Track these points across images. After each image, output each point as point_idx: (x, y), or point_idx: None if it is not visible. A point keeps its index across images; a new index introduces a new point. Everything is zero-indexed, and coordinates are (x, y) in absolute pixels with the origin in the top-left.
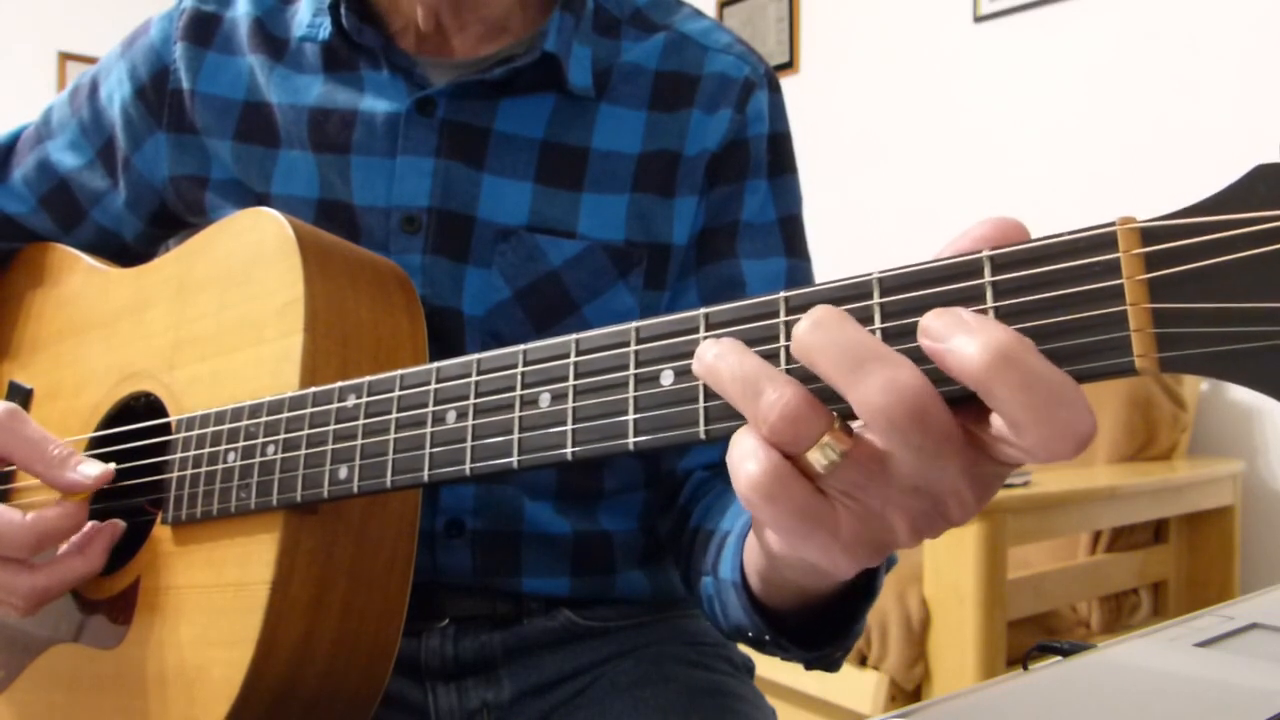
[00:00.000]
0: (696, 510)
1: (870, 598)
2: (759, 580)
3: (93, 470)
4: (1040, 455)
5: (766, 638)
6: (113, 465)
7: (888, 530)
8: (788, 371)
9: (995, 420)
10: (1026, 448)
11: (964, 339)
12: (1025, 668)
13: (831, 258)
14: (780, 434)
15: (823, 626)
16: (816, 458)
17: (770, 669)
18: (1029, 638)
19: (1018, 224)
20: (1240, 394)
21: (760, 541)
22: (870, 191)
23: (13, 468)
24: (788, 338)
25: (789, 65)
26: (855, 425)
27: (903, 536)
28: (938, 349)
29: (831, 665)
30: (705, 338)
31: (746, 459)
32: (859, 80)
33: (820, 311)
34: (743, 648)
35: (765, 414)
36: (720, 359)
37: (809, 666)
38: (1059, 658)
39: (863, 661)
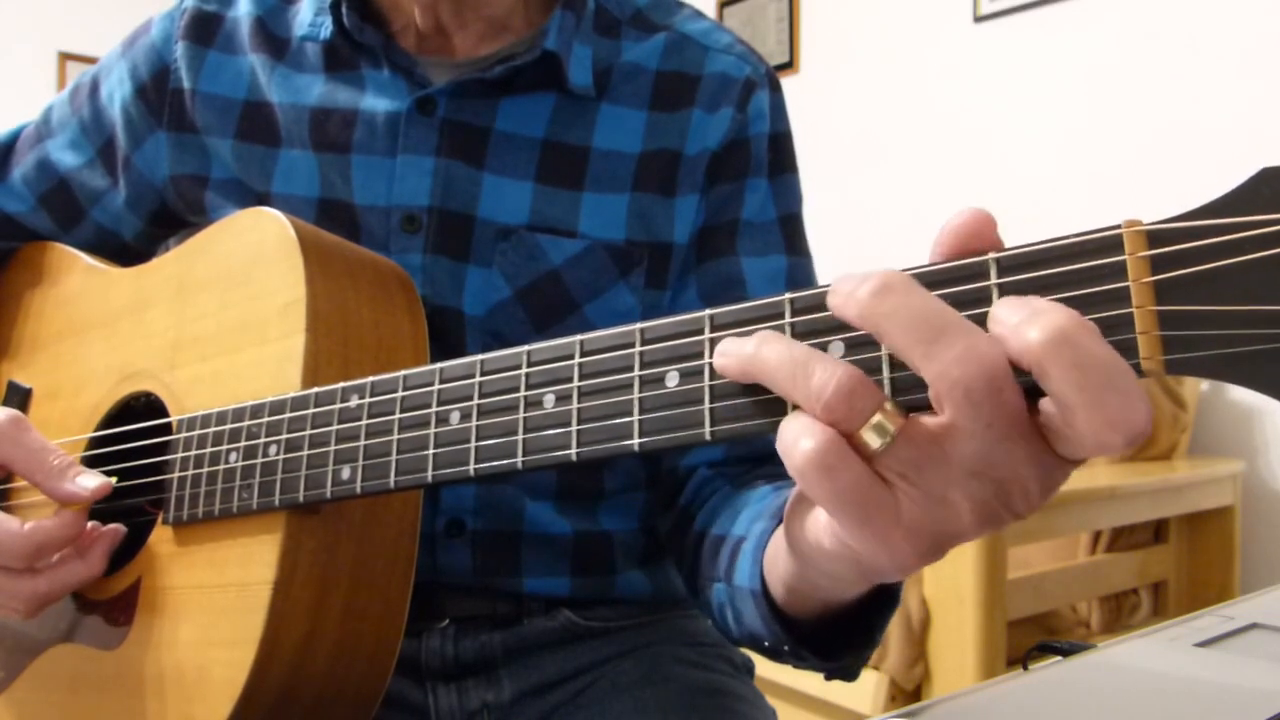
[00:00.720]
0: (701, 512)
1: (892, 606)
2: (783, 588)
3: (91, 482)
4: (1089, 444)
5: (785, 648)
6: (112, 478)
7: (952, 517)
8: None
9: (1047, 406)
10: (1077, 435)
11: (1025, 318)
12: (1025, 668)
13: (832, 258)
14: (835, 410)
15: (841, 636)
16: (870, 437)
17: (770, 669)
18: (1029, 638)
19: (986, 214)
20: (1240, 394)
21: (796, 543)
22: (870, 191)
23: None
24: (793, 338)
25: (789, 65)
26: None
27: (968, 524)
28: (1001, 332)
29: (850, 675)
30: (710, 339)
31: (801, 437)
32: (859, 80)
33: (886, 275)
34: (745, 650)
35: (819, 391)
36: (765, 345)
37: (829, 677)
38: (1059, 658)
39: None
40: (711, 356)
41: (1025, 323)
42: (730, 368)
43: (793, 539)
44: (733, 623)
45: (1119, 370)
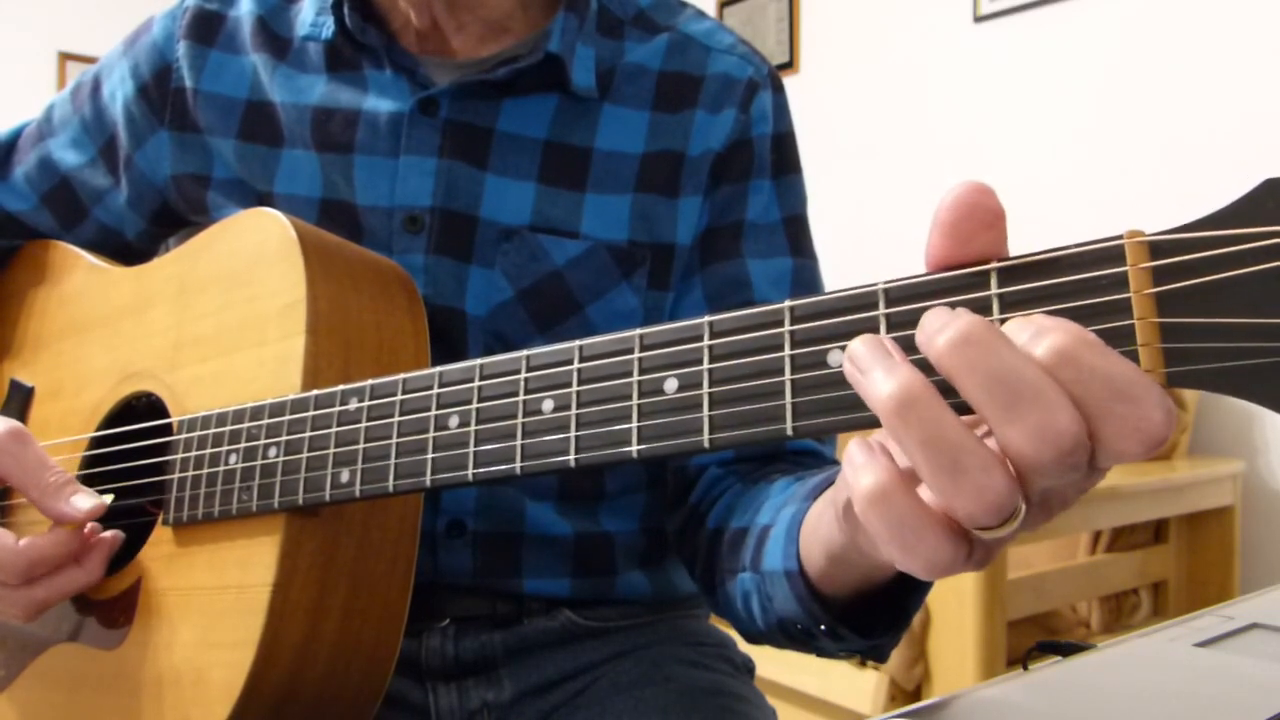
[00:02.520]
0: (714, 510)
1: (929, 582)
2: (826, 558)
3: (84, 504)
4: (1109, 453)
5: (822, 627)
6: (107, 498)
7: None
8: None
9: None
10: (1095, 445)
11: (1029, 340)
12: (1025, 668)
13: (831, 258)
14: (973, 519)
15: (875, 613)
16: (995, 533)
17: (770, 669)
18: (1029, 638)
19: (983, 185)
20: None
21: (848, 523)
22: (870, 192)
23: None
24: (793, 347)
25: (789, 65)
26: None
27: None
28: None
29: (883, 655)
30: (709, 345)
31: (937, 546)
32: (859, 80)
33: (969, 326)
34: (746, 647)
35: (964, 495)
36: (911, 409)
37: (865, 656)
38: (1059, 658)
39: (863, 661)
40: (709, 362)
41: (1028, 345)
42: (890, 418)
43: (845, 520)
44: (759, 612)
45: (1125, 381)
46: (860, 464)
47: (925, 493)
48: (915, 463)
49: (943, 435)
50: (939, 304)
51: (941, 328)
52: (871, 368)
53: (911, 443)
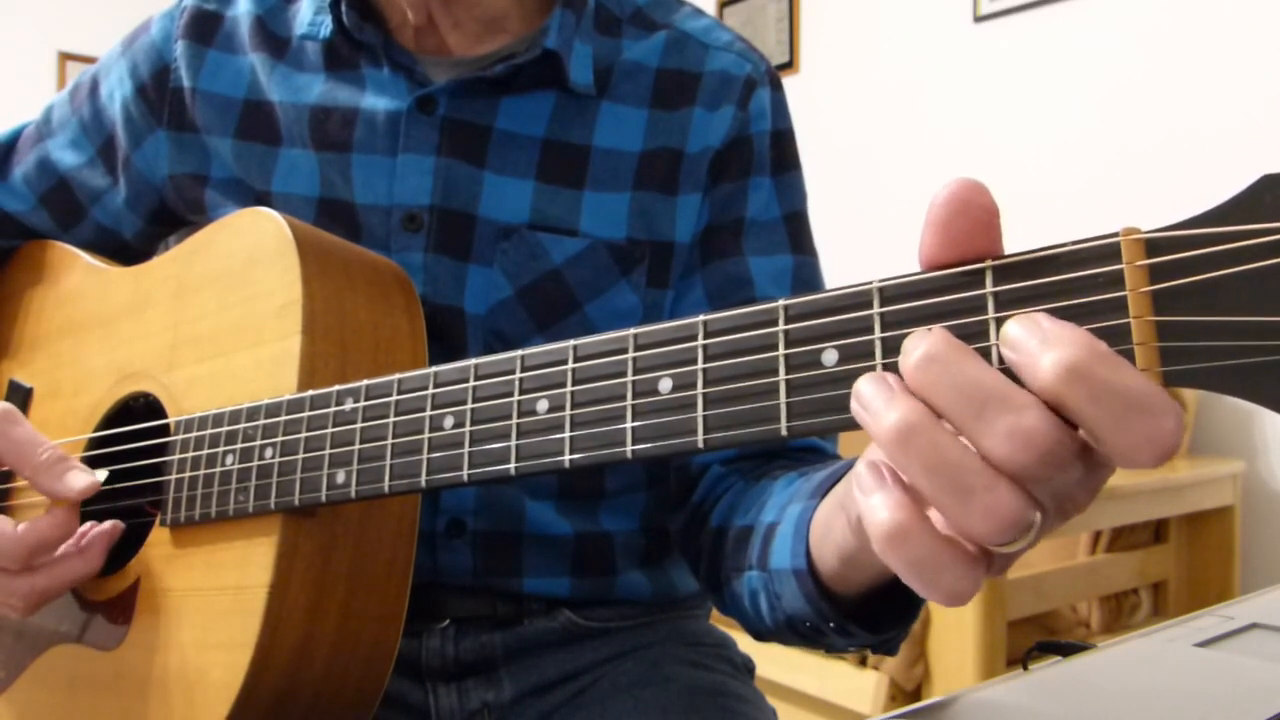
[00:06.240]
0: (718, 509)
1: None
2: (838, 559)
3: (78, 481)
4: (1120, 461)
5: (831, 624)
6: (100, 475)
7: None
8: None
9: None
10: (1107, 454)
11: (1034, 350)
12: (1025, 668)
13: (830, 258)
14: (989, 538)
15: (884, 608)
16: (1013, 546)
17: (770, 669)
18: (1029, 638)
19: (975, 183)
20: None
21: (860, 534)
22: (870, 192)
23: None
24: (787, 345)
25: (789, 65)
26: None
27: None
28: (1014, 359)
29: (892, 649)
30: (703, 345)
31: (958, 579)
32: (859, 80)
33: (932, 344)
34: (745, 647)
35: (974, 517)
36: (910, 438)
37: (875, 650)
38: (1059, 658)
39: (863, 661)
40: (703, 362)
41: (1035, 356)
42: (887, 443)
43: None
44: (766, 610)
45: (1138, 392)
46: (873, 494)
47: (937, 516)
48: (923, 491)
49: (944, 460)
50: (932, 302)
51: (910, 350)
52: (873, 403)
53: (915, 471)
